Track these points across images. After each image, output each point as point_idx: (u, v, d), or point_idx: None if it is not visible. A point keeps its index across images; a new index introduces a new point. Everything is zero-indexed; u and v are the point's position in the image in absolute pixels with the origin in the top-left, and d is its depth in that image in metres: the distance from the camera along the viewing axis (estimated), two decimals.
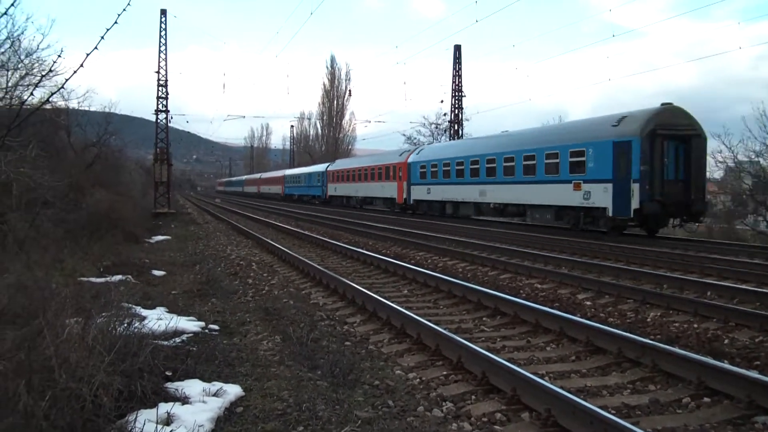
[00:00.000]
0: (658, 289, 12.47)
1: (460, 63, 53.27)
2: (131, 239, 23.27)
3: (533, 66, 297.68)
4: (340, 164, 55.04)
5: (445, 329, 8.49)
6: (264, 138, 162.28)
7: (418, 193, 38.37)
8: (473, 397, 6.42)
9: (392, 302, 10.36)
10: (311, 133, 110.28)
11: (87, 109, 32.90)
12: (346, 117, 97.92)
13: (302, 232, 26.46)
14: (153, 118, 47.24)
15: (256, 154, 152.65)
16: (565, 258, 16.96)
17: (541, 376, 6.68)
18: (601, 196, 22.68)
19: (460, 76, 53.32)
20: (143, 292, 12.13)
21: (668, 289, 12.48)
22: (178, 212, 45.80)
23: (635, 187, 21.34)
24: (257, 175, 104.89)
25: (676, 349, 7.43)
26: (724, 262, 16.16)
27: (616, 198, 22.00)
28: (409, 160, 39.75)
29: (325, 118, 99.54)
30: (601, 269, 15.12)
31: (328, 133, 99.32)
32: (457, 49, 53.31)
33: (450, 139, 51.20)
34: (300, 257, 16.89)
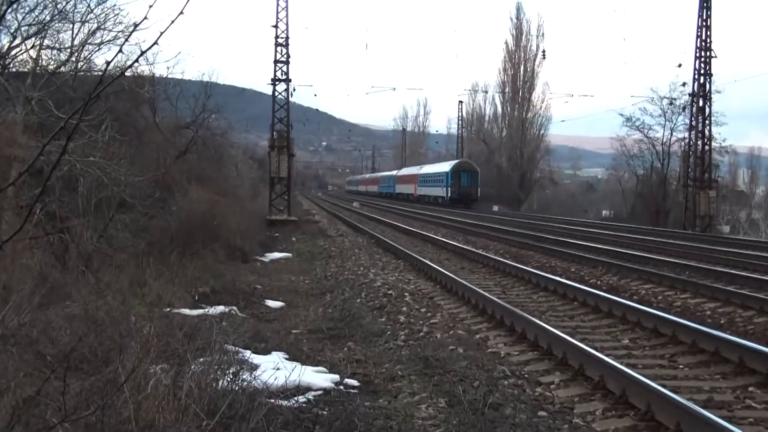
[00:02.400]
0: None
1: (709, 9, 48.66)
2: (237, 256, 24.15)
3: None
4: (403, 171, 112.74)
5: (688, 400, 8.11)
6: (421, 119, 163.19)
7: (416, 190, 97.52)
8: None
9: (607, 356, 10.16)
10: (487, 111, 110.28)
11: (179, 77, 33.57)
12: (538, 89, 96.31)
13: (474, 250, 26.52)
14: (269, 91, 48.31)
15: (411, 141, 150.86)
16: None
17: None
18: (446, 191, 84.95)
19: (708, 28, 48.73)
20: (254, 330, 12.47)
21: None
22: (301, 220, 47.02)
23: (449, 189, 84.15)
24: (366, 176, 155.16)
25: None
26: None
27: (447, 192, 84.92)
28: (419, 173, 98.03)
29: (507, 90, 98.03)
30: None
31: (512, 112, 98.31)
32: None
33: (692, 120, 52.96)
34: (472, 286, 16.89)
